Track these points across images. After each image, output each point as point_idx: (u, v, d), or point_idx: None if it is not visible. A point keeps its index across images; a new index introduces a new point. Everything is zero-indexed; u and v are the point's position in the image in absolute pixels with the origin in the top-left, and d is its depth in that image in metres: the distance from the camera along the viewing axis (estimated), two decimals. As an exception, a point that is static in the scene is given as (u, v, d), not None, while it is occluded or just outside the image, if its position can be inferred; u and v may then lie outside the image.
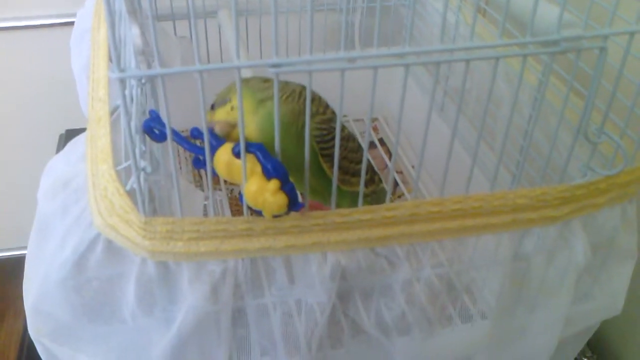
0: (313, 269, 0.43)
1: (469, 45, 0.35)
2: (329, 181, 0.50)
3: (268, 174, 0.36)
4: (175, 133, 0.36)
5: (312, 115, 0.49)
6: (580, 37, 0.37)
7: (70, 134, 0.98)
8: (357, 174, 0.53)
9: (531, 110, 0.54)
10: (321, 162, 0.50)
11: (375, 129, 0.89)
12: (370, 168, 0.57)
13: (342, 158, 0.51)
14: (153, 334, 0.42)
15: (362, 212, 0.39)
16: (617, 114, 0.45)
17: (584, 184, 0.43)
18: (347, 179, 0.53)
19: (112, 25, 0.27)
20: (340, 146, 0.51)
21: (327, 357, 0.49)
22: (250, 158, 0.36)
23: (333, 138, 0.49)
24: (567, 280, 0.47)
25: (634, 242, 0.50)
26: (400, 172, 0.81)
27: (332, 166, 0.50)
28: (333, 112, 0.52)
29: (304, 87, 0.49)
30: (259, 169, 0.36)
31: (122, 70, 0.30)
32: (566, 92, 0.42)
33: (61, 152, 0.49)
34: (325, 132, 0.49)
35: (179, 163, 0.75)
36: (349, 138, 0.53)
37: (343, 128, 0.53)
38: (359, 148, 0.55)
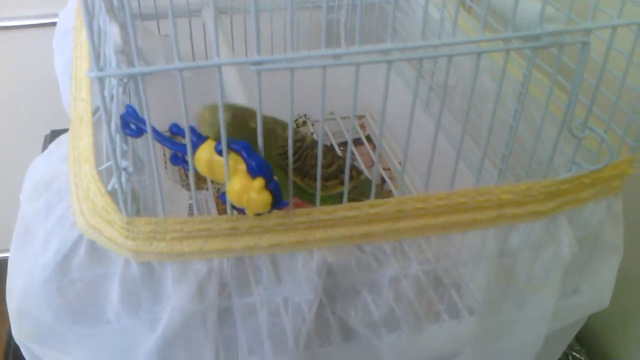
0: (299, 267, 0.42)
1: (451, 41, 0.35)
2: (305, 191, 0.51)
3: (253, 172, 0.36)
4: (154, 130, 0.36)
5: (275, 139, 0.49)
6: (562, 32, 0.37)
7: (55, 135, 0.97)
8: (331, 177, 0.54)
9: (516, 105, 0.54)
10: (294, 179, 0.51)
11: (362, 125, 0.89)
12: (340, 166, 0.57)
13: (312, 167, 0.51)
14: (138, 335, 0.42)
15: (347, 209, 0.39)
16: (601, 108, 0.45)
17: (569, 178, 0.43)
18: (322, 184, 0.53)
19: (90, 24, 0.27)
20: (307, 156, 0.51)
21: (315, 355, 0.48)
22: (233, 156, 0.36)
23: (295, 153, 0.50)
24: (553, 275, 0.47)
25: (620, 236, 0.50)
26: (387, 169, 0.81)
27: (303, 178, 0.51)
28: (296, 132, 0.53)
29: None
30: (242, 167, 0.36)
31: (100, 70, 0.30)
32: (550, 86, 0.42)
33: (44, 153, 0.49)
34: (286, 151, 0.50)
35: (165, 163, 0.74)
36: (313, 145, 0.53)
37: (305, 137, 0.53)
38: (328, 150, 0.55)
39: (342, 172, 0.55)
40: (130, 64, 0.37)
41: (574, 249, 0.46)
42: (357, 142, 0.85)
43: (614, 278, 0.51)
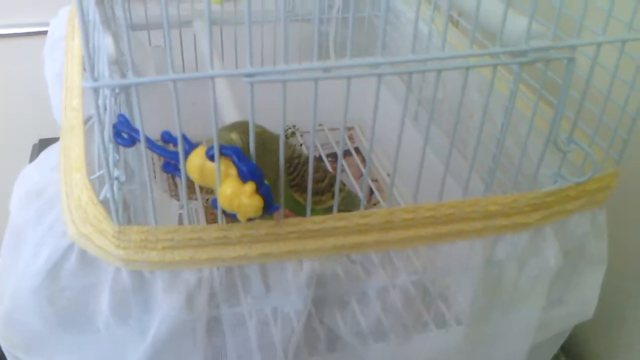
0: (289, 277, 0.43)
1: (440, 56, 0.35)
2: (301, 205, 0.52)
3: (244, 177, 0.36)
4: (146, 138, 0.36)
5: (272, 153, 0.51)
6: (548, 48, 0.38)
7: (43, 144, 0.97)
8: (325, 191, 0.55)
9: (503, 119, 0.54)
10: (293, 195, 0.52)
11: (350, 137, 0.89)
12: (331, 178, 0.58)
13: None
14: (128, 344, 0.42)
15: (336, 219, 0.40)
16: (586, 122, 0.46)
17: (554, 191, 0.44)
18: (317, 199, 0.55)
19: (86, 35, 0.27)
20: (305, 173, 0.52)
21: (304, 366, 0.49)
22: (224, 161, 0.36)
23: (294, 170, 0.52)
24: (539, 286, 0.48)
25: (604, 248, 0.51)
26: (375, 181, 0.82)
27: (302, 193, 0.52)
28: (290, 147, 0.54)
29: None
30: (233, 171, 0.36)
31: (95, 80, 0.30)
32: (536, 101, 0.43)
33: (34, 162, 0.49)
34: (288, 166, 0.52)
35: (154, 172, 0.74)
36: (306, 162, 0.54)
37: (301, 154, 0.54)
38: (319, 166, 0.56)
39: (332, 185, 0.56)
40: (122, 74, 0.37)
41: (559, 260, 0.47)
42: (346, 153, 0.86)
43: (598, 289, 0.52)
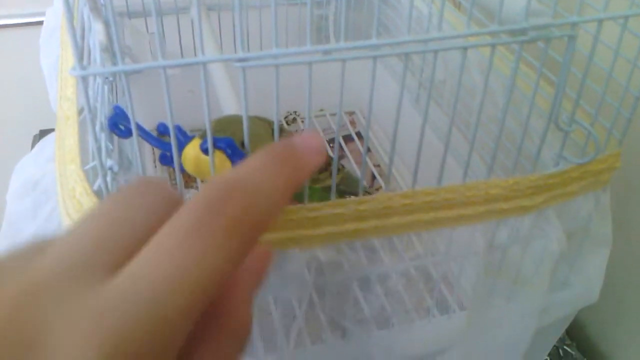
0: (289, 265, 0.42)
1: (437, 36, 0.35)
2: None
3: None
4: (140, 129, 0.35)
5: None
6: (548, 26, 0.37)
7: (44, 135, 0.96)
8: (323, 170, 0.55)
9: (504, 99, 0.54)
10: None
11: (352, 122, 0.89)
12: (329, 158, 0.58)
13: None
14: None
15: (335, 206, 0.39)
16: (588, 101, 0.45)
17: (556, 172, 0.43)
18: (315, 177, 0.54)
19: (71, 21, 0.27)
20: None
21: (306, 353, 0.48)
22: (219, 154, 0.35)
23: None
24: (542, 270, 0.47)
25: (609, 230, 0.50)
26: (377, 166, 0.81)
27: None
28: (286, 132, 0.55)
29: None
30: (228, 164, 0.36)
31: (83, 68, 0.29)
32: (536, 80, 0.42)
33: (30, 153, 0.49)
34: None
35: (154, 161, 0.74)
36: None
37: None
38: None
39: (330, 164, 0.56)
40: (115, 61, 0.37)
41: (563, 243, 0.46)
42: (347, 138, 0.85)
43: (603, 271, 0.51)
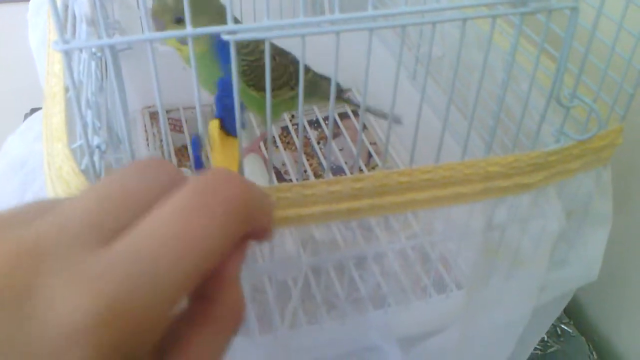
0: (284, 244, 0.42)
1: (435, 7, 0.33)
2: (257, 100, 0.56)
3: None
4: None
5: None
6: (550, -3, 0.35)
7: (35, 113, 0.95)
8: (283, 85, 0.58)
9: (503, 75, 0.52)
10: (249, 91, 0.56)
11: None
12: (290, 74, 0.59)
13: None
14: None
15: (330, 183, 0.38)
16: (590, 77, 0.44)
17: (557, 149, 0.42)
18: (275, 94, 0.58)
19: (51, -9, 0.25)
20: (262, 73, 0.51)
21: (302, 333, 0.48)
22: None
23: (251, 72, 0.55)
24: (541, 248, 0.46)
25: (609, 208, 0.49)
26: (374, 143, 0.80)
27: (258, 91, 0.55)
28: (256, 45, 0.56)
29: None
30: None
31: (66, 42, 0.28)
32: (537, 54, 0.41)
33: (17, 131, 0.47)
34: (246, 67, 0.55)
35: (146, 139, 0.73)
36: (274, 56, 0.56)
37: (261, 57, 0.55)
38: (279, 63, 0.58)
39: (292, 78, 0.59)
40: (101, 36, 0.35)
41: (562, 221, 0.45)
42: (344, 116, 0.84)
43: (602, 250, 0.51)
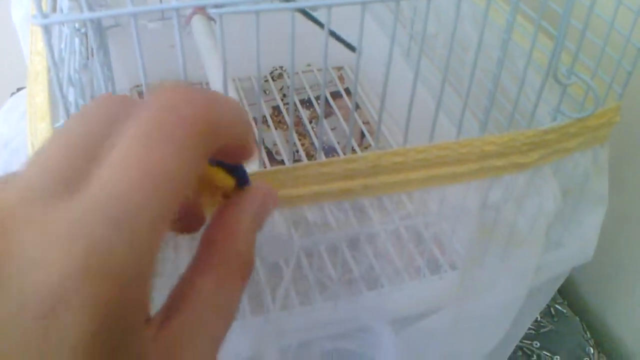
0: (276, 225, 0.41)
1: (430, -19, 0.32)
2: None
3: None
4: None
5: None
6: (549, -29, 0.34)
7: (23, 93, 0.94)
8: None
9: (499, 53, 0.51)
10: None
11: (340, 78, 0.86)
12: None
13: None
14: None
15: (322, 165, 0.37)
16: (587, 54, 0.43)
17: (553, 128, 0.42)
18: None
19: (28, -37, 0.24)
20: None
21: (294, 314, 0.47)
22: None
23: None
24: (537, 228, 0.46)
25: (605, 187, 0.49)
26: (366, 123, 0.79)
27: None
28: None
29: None
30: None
31: (45, 16, 0.27)
32: (534, 32, 0.40)
33: (1, 110, 0.46)
34: None
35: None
36: None
37: None
38: None
39: None
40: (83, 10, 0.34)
41: (558, 201, 0.44)
42: (336, 95, 0.83)
43: (598, 230, 0.50)
